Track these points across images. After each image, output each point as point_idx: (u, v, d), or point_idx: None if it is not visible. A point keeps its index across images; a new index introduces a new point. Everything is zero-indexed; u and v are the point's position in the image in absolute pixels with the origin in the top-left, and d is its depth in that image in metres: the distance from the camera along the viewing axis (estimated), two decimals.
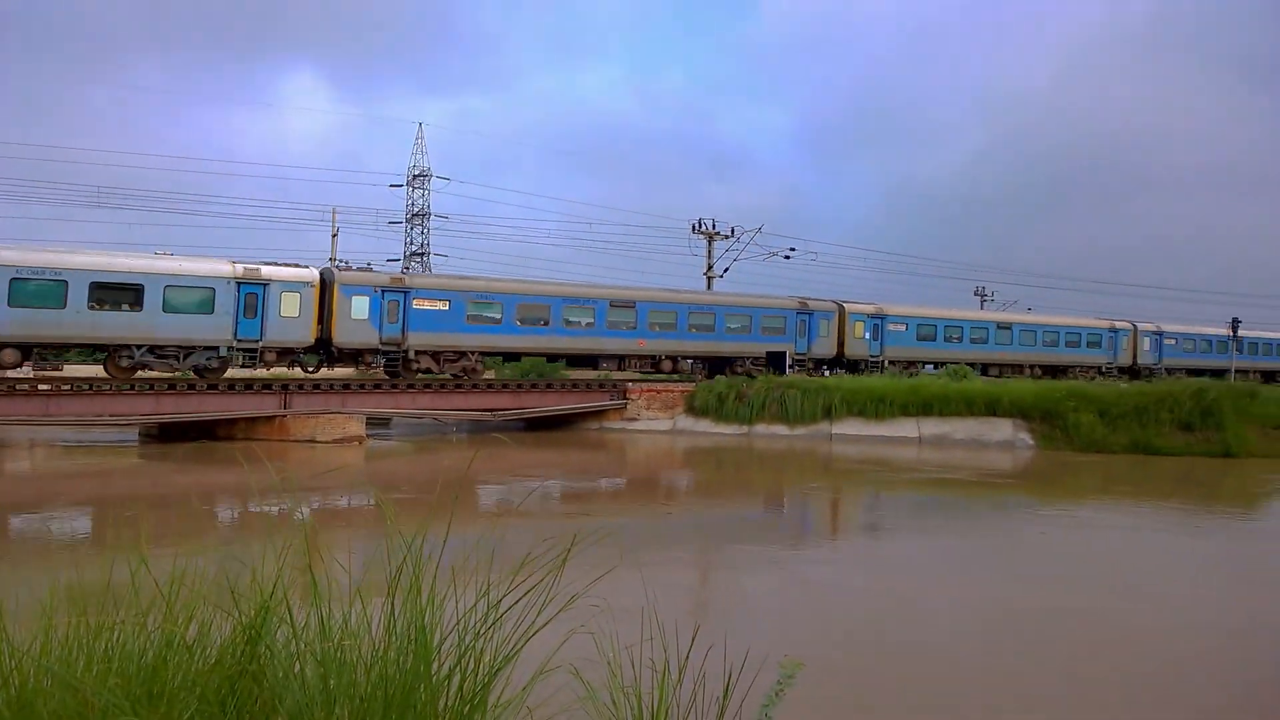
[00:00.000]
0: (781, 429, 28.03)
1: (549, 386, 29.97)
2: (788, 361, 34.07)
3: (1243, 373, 45.94)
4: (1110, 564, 11.30)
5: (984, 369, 39.42)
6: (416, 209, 62.23)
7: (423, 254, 61.94)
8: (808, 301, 36.15)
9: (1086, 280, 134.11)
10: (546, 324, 30.05)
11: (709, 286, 41.04)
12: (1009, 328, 42.27)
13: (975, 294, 64.05)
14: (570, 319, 30.43)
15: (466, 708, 2.95)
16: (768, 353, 34.42)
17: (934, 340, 39.39)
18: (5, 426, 23.71)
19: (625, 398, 30.33)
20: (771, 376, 31.37)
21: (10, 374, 23.55)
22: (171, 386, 23.80)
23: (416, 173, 62.34)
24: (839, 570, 10.64)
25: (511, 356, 33.72)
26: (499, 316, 29.29)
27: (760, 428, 28.24)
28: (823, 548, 12.19)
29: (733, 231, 42.35)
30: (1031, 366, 41.71)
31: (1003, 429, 26.66)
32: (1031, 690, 6.66)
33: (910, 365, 38.02)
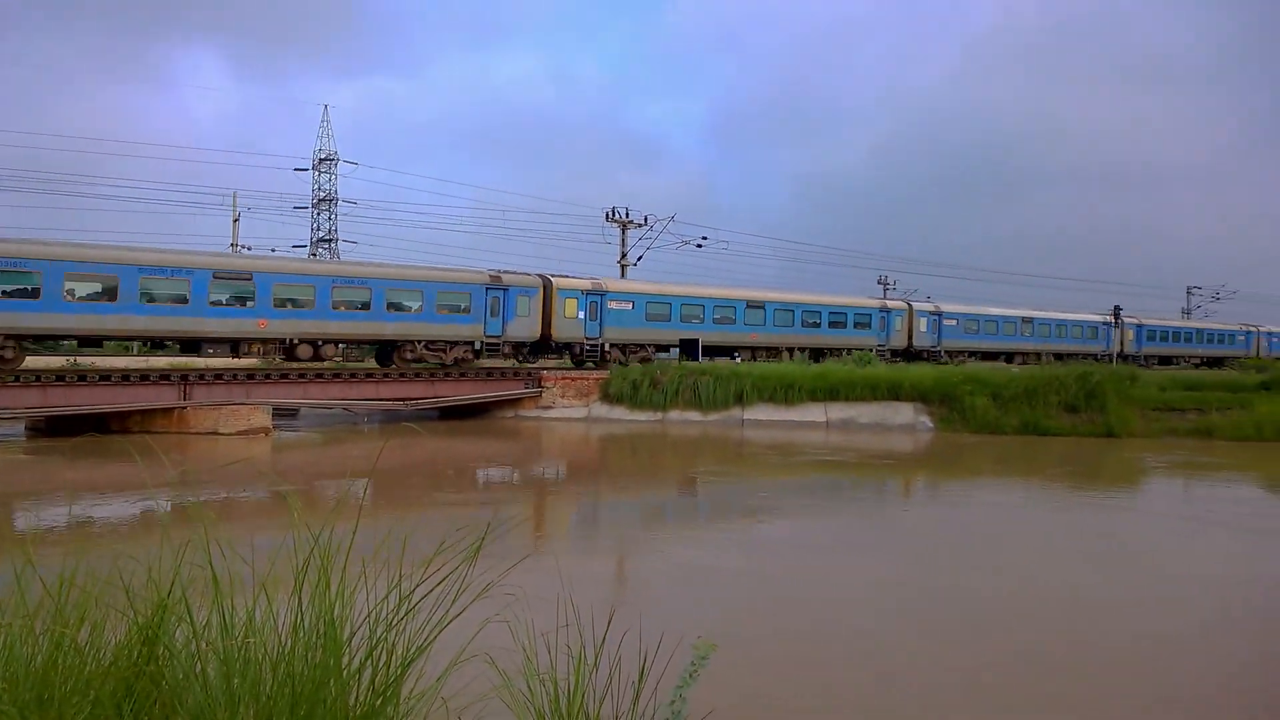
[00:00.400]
0: (695, 415, 28.40)
1: (463, 376, 29.56)
2: (699, 348, 34.42)
3: (1035, 355, 46.75)
4: (993, 542, 11.90)
5: (731, 352, 36.68)
6: (323, 194, 60.44)
7: (330, 240, 60.24)
8: (502, 275, 30.93)
9: (987, 270, 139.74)
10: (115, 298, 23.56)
11: (623, 275, 41.12)
12: (761, 306, 37.83)
13: (879, 283, 66.02)
14: (155, 292, 24.28)
15: (379, 700, 2.91)
16: (681, 340, 34.68)
17: (668, 321, 34.96)
18: None
19: (541, 386, 30.18)
20: (685, 363, 31.71)
21: None
22: (60, 378, 22.51)
23: (323, 156, 60.56)
24: (750, 552, 10.88)
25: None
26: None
27: (674, 414, 28.55)
28: (735, 531, 12.43)
29: (646, 220, 42.53)
30: (790, 349, 38.18)
31: (905, 413, 27.67)
32: (927, 664, 6.96)
33: (638, 350, 34.17)
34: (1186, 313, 73.82)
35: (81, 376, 22.89)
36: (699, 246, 44.84)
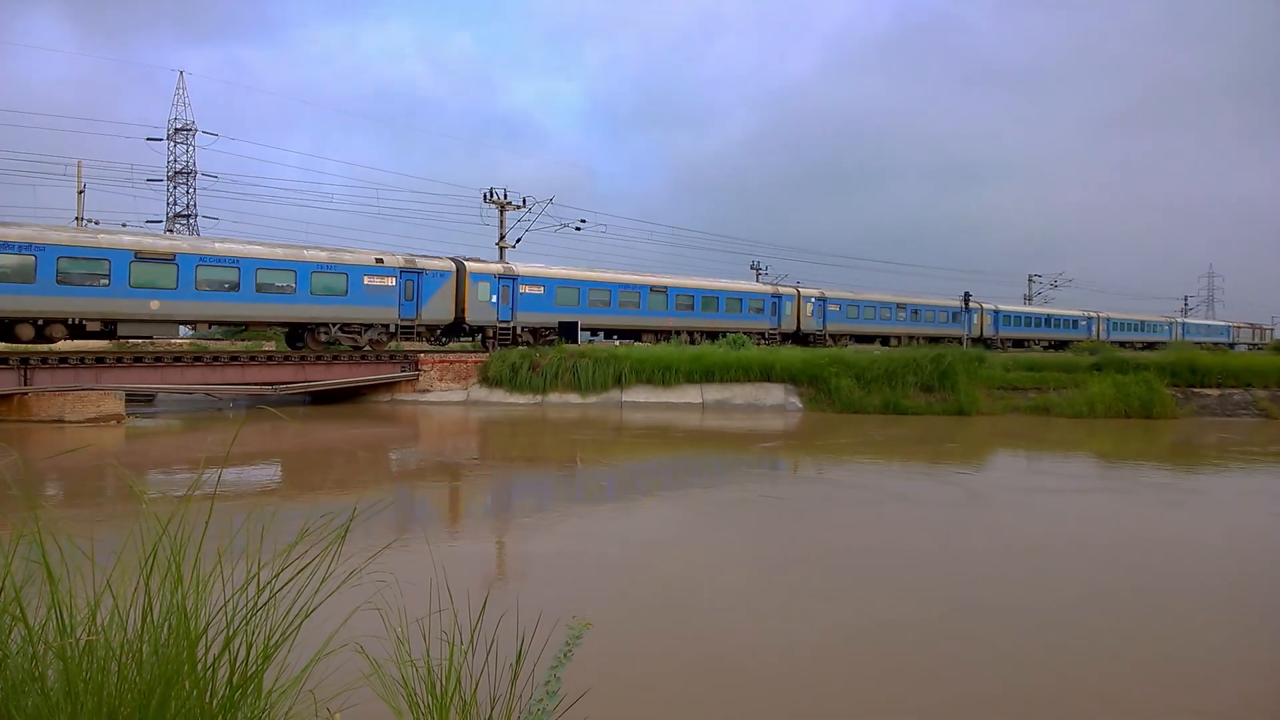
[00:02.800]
0: (575, 398, 28.42)
1: (335, 359, 28.51)
2: (578, 330, 34.54)
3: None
4: (853, 511, 12.52)
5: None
6: (180, 166, 56.68)
7: (189, 215, 56.68)
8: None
9: (849, 257, 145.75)
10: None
11: (501, 256, 40.59)
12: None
13: (751, 268, 67.80)
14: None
15: (237, 694, 2.80)
16: (560, 323, 34.67)
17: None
18: None
19: (417, 369, 29.50)
20: (564, 345, 31.67)
21: None
22: None
23: (179, 126, 56.73)
24: (627, 533, 11.02)
25: None
26: None
27: (554, 397, 28.49)
28: (612, 512, 12.55)
29: (524, 202, 42.09)
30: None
31: (775, 394, 28.61)
32: (799, 634, 7.27)
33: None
34: (1028, 298, 79.41)
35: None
36: (578, 229, 44.80)
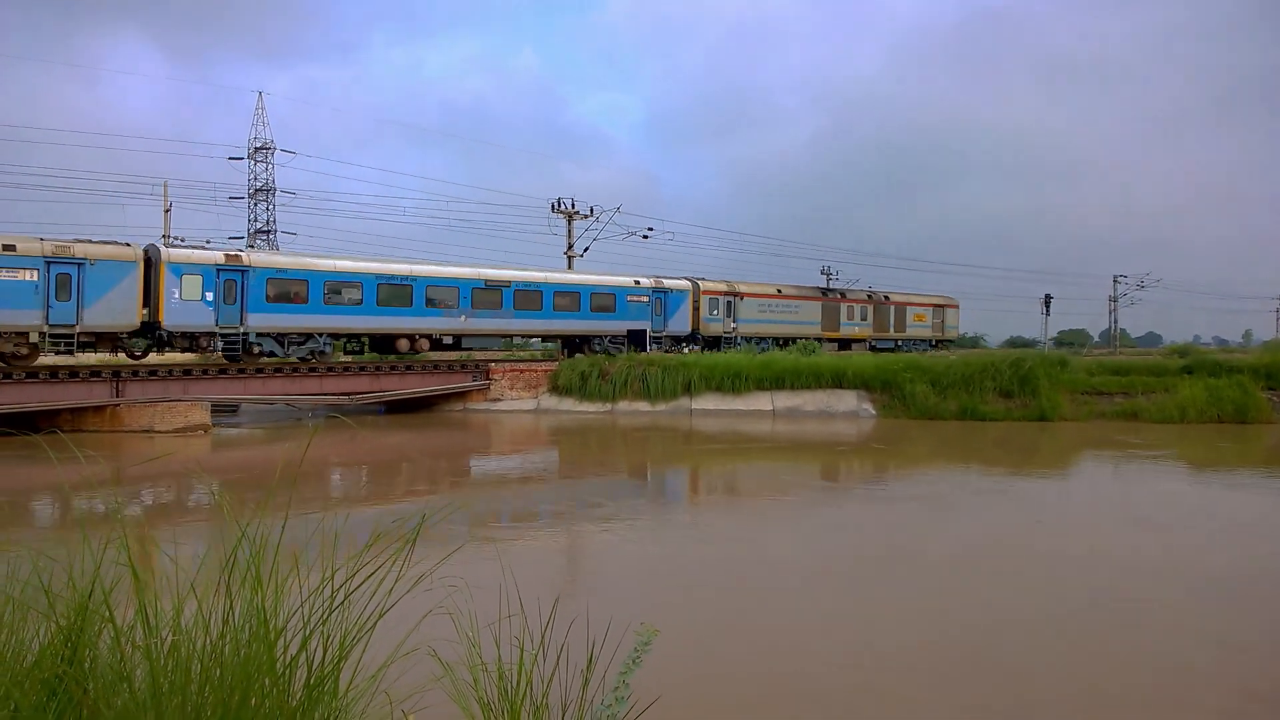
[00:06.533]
0: (644, 406, 28.46)
1: (409, 369, 29.15)
2: (648, 338, 34.65)
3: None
4: (935, 519, 12.18)
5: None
6: (260, 183, 58.86)
7: (269, 231, 58.74)
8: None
9: (920, 261, 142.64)
10: None
11: (569, 266, 40.99)
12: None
13: (821, 273, 66.88)
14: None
15: (315, 693, 2.85)
16: (628, 330, 34.81)
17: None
18: None
19: (488, 378, 29.96)
20: (634, 354, 31.77)
21: None
22: None
23: (258, 145, 58.90)
24: (698, 539, 10.94)
25: None
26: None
27: (623, 405, 28.58)
28: (683, 518, 12.49)
29: (592, 211, 42.48)
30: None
31: (848, 400, 28.14)
32: (874, 647, 7.09)
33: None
34: (1114, 300, 76.25)
35: (8, 375, 21.99)
36: (645, 237, 44.98)
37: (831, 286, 46.65)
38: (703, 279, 38.41)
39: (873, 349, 44.21)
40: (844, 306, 44.69)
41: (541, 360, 32.51)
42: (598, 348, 33.70)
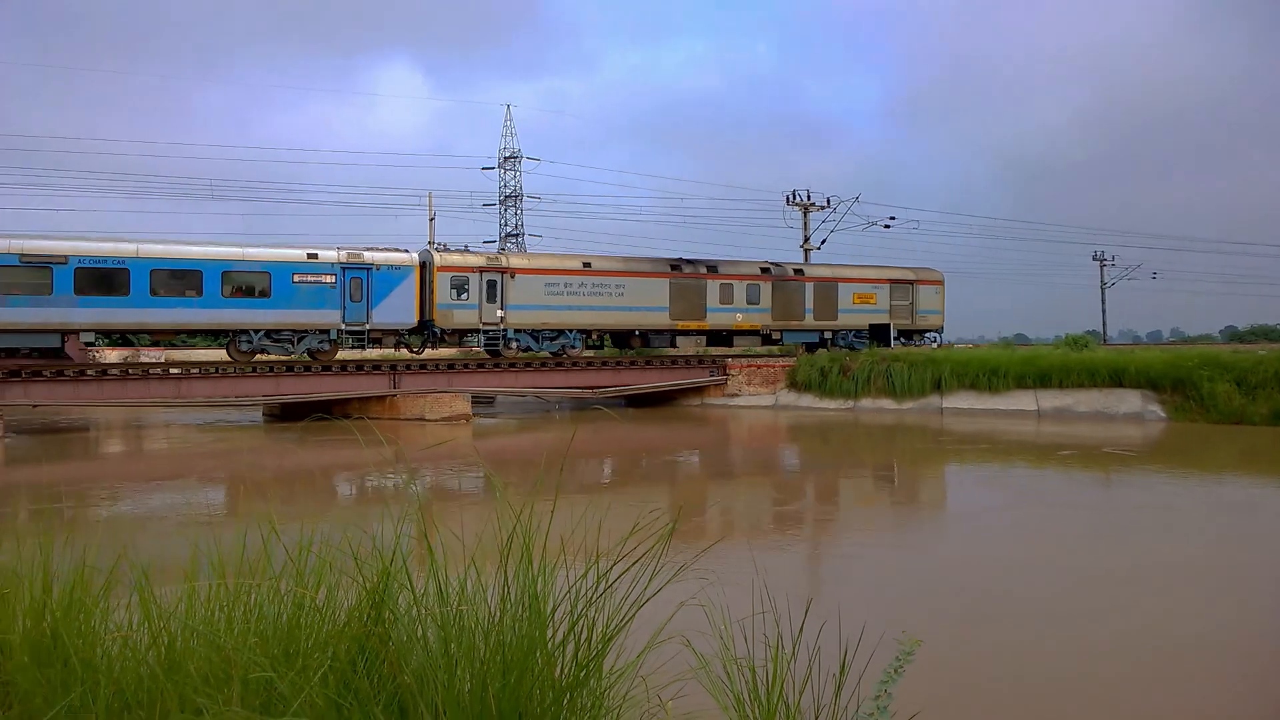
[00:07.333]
0: (889, 403, 27.39)
1: (648, 364, 30.12)
2: (891, 334, 33.22)
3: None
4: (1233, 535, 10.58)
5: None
6: (509, 190, 63.27)
7: (518, 235, 63.01)
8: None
9: (1208, 240, 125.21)
10: None
11: (806, 259, 40.30)
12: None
13: (1094, 259, 60.77)
14: None
15: (582, 673, 2.99)
16: (870, 325, 33.64)
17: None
18: (142, 408, 25.52)
19: (726, 374, 30.23)
20: (876, 349, 30.68)
21: (144, 358, 25.32)
22: (290, 369, 25.12)
23: (507, 155, 63.30)
24: (957, 544, 10.32)
25: None
26: None
27: (866, 402, 27.68)
28: (938, 521, 11.84)
29: (829, 202, 41.46)
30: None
31: (1130, 400, 25.23)
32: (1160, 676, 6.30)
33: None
34: None
35: (307, 367, 25.40)
36: (886, 227, 43.22)
37: (696, 258, 32.32)
38: (444, 248, 28.95)
39: (771, 342, 33.22)
40: (712, 285, 31.47)
41: (780, 356, 32.24)
42: (244, 346, 25.39)
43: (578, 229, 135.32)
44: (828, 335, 33.77)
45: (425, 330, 28.03)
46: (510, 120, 64.74)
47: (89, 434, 24.71)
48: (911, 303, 35.40)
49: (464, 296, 27.89)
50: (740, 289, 32.14)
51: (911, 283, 35.64)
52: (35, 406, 23.25)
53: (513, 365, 28.12)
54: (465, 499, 12.28)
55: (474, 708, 2.73)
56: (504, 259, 29.62)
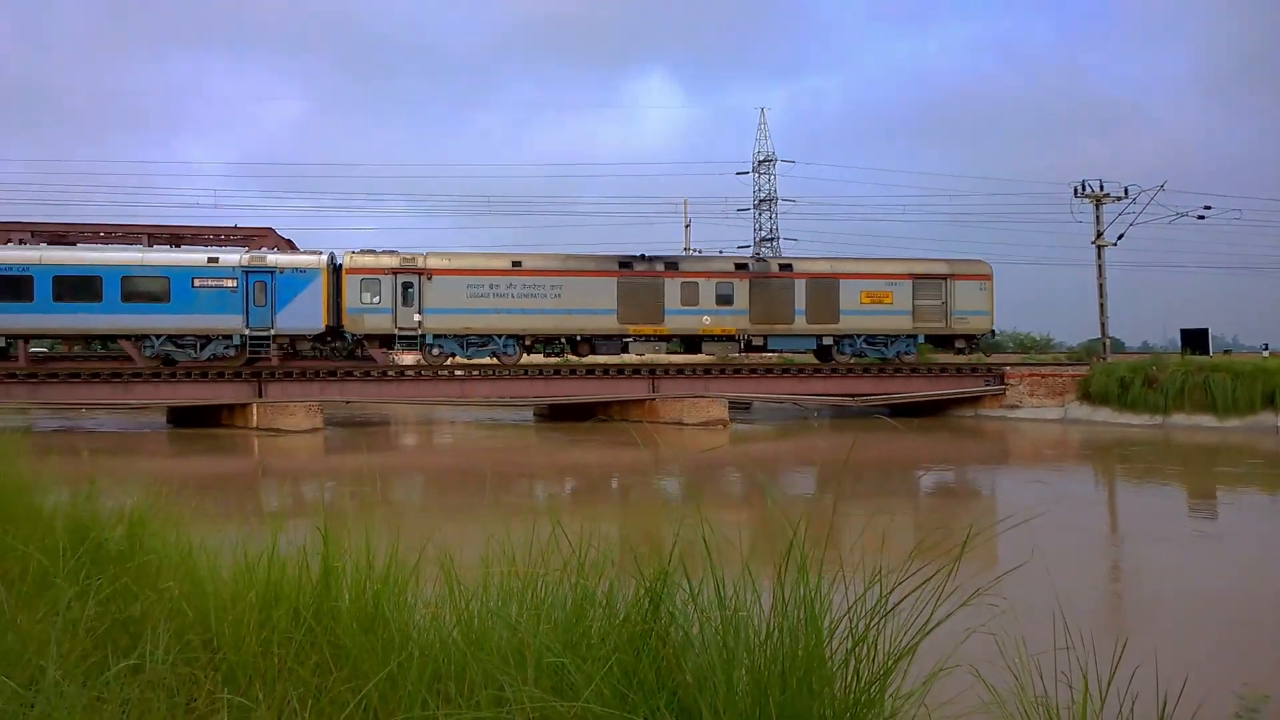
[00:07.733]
0: (1207, 419, 23.88)
1: (914, 371, 28.69)
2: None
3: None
4: None
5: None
6: (763, 194, 62.99)
7: (772, 239, 62.59)
8: None
9: None
10: None
11: (1099, 255, 36.23)
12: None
13: None
14: None
15: (864, 696, 2.83)
16: (1181, 331, 29.66)
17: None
18: (429, 405, 28.56)
19: (1004, 383, 28.05)
20: (1190, 358, 26.92)
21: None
22: (556, 372, 26.98)
23: (761, 159, 62.99)
24: None
25: None
26: None
27: (1178, 418, 24.35)
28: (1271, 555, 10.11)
29: (1126, 192, 36.84)
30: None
31: None
32: None
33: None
34: None
35: (572, 370, 27.08)
36: (1200, 218, 37.67)
37: (655, 255, 29.53)
38: (358, 250, 27.50)
39: (753, 349, 28.98)
40: (670, 284, 28.09)
41: (1069, 364, 29.35)
42: (147, 352, 25.26)
43: (835, 231, 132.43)
44: (828, 341, 28.97)
45: (335, 336, 26.88)
46: (764, 123, 64.54)
47: (390, 428, 28.12)
48: (945, 301, 29.27)
49: (376, 300, 26.53)
50: (708, 288, 28.55)
51: (944, 277, 29.63)
52: (348, 403, 26.80)
53: (769, 371, 28.06)
54: (734, 504, 12.35)
55: (753, 713, 2.66)
56: (420, 259, 27.40)
